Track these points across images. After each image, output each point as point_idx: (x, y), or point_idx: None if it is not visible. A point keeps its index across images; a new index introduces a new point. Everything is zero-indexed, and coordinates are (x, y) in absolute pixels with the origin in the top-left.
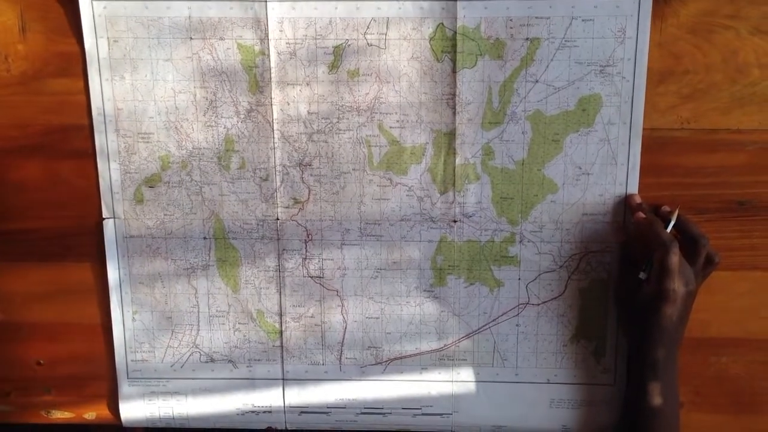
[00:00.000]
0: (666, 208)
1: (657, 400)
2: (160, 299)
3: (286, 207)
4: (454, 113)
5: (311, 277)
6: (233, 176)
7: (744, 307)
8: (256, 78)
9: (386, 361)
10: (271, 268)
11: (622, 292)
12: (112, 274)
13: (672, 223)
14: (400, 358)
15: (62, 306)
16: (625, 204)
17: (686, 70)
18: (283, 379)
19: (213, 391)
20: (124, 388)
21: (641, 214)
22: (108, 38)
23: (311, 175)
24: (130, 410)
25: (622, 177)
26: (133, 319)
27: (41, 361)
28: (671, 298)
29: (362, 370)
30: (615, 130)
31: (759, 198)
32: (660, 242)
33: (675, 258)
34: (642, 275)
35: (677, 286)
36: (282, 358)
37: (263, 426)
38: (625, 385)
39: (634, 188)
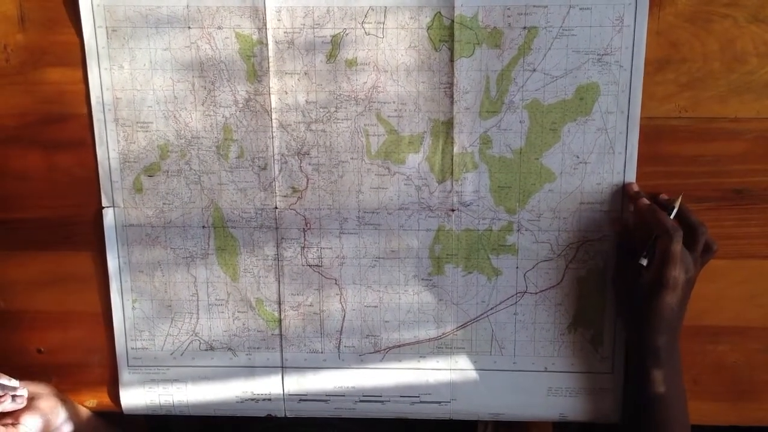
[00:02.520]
0: (664, 197)
1: (661, 388)
2: (160, 287)
3: (285, 196)
4: (452, 102)
5: (310, 266)
6: (232, 165)
7: (741, 295)
8: (254, 67)
9: (384, 350)
10: (269, 256)
11: (620, 280)
12: (112, 262)
13: (675, 210)
14: (399, 346)
15: (62, 294)
16: (622, 193)
17: (684, 59)
18: (282, 367)
19: (213, 379)
20: (125, 375)
21: (645, 201)
22: (106, 28)
23: (309, 164)
24: (131, 397)
25: (620, 166)
26: (133, 308)
27: (42, 349)
28: (672, 286)
29: (361, 359)
30: (612, 119)
31: (756, 186)
32: (665, 230)
33: (679, 246)
34: (643, 261)
35: (679, 273)
36: (281, 346)
37: (263, 413)
38: (625, 375)
39: (631, 177)
